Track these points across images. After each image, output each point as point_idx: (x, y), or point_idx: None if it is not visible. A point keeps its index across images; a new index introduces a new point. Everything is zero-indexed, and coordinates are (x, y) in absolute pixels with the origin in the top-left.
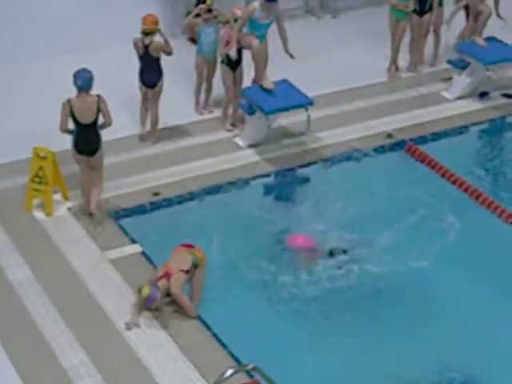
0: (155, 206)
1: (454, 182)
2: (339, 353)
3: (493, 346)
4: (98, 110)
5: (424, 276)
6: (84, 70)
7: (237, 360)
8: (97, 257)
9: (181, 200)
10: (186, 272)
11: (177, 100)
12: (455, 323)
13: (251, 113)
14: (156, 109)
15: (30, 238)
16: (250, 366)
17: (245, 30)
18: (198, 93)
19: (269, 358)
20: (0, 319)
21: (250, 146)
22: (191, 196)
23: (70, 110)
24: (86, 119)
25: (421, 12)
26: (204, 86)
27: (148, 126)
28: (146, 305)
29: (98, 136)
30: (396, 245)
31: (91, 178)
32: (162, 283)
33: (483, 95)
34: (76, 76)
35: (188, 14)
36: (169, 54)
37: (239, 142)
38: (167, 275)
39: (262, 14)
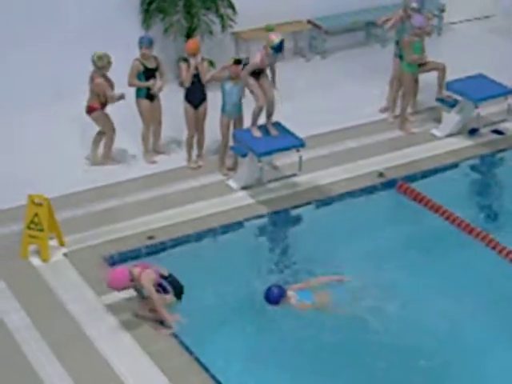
0: (150, 250)
1: (446, 218)
2: None
3: None
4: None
5: (419, 311)
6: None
7: None
8: (93, 301)
9: (175, 243)
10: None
11: (165, 146)
12: None
13: (243, 155)
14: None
15: (26, 284)
16: None
17: None
18: (223, 154)
19: None
20: None
21: (243, 188)
22: (185, 239)
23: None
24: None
25: None
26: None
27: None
28: None
29: None
30: (390, 281)
31: None
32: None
33: (473, 132)
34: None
35: (179, 60)
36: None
37: (232, 184)
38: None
39: None
